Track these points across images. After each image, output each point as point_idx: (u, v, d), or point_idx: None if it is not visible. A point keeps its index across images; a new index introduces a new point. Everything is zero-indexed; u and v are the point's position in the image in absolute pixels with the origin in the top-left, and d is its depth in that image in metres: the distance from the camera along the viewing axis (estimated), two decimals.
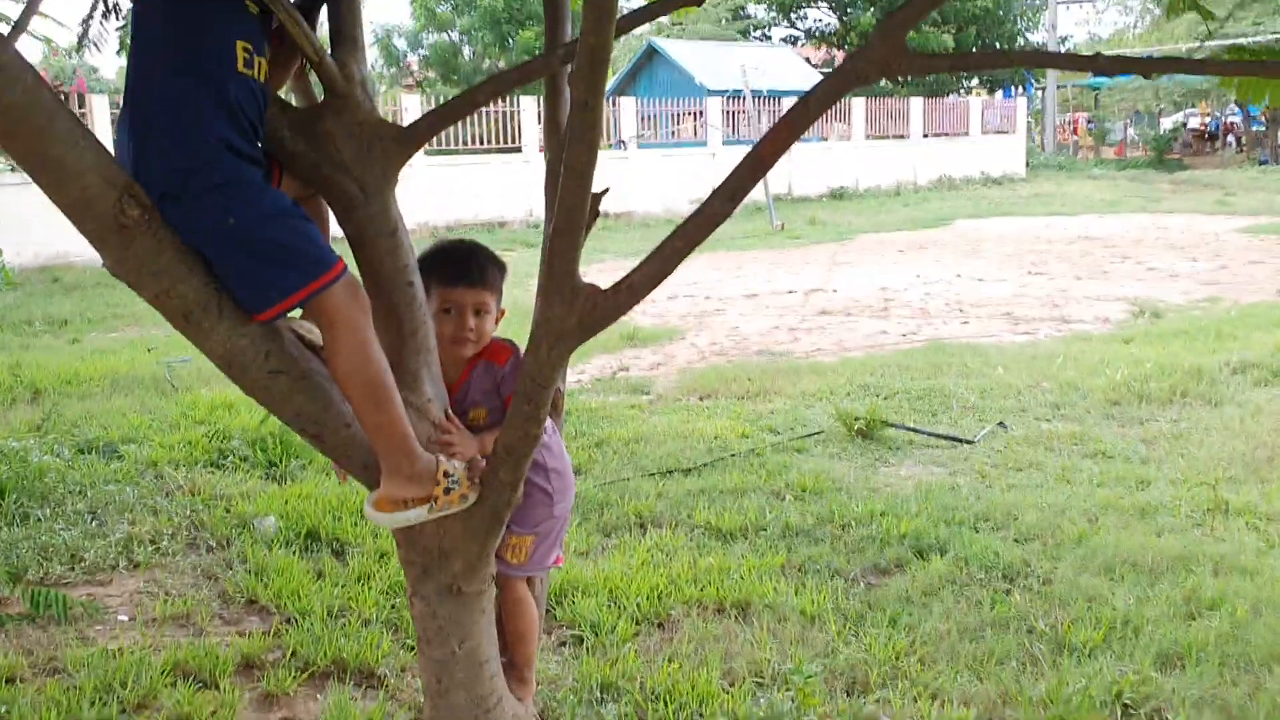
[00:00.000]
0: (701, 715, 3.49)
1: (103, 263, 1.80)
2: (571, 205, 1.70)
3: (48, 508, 5.33)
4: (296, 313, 1.94)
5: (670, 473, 5.96)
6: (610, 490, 5.64)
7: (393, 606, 4.25)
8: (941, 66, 1.75)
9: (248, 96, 1.84)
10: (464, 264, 2.45)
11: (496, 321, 2.58)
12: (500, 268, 2.58)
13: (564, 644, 4.07)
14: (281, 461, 6.12)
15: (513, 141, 20.53)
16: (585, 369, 8.85)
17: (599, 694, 3.63)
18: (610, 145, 22.82)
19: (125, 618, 4.28)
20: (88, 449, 6.37)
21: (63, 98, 1.91)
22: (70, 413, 7.17)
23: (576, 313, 1.76)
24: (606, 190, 2.63)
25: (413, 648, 3.89)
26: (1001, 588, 4.45)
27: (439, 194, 18.67)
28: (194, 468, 6.09)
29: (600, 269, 15.05)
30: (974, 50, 37.71)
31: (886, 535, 4.96)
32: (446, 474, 2.00)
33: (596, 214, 2.56)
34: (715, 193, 1.79)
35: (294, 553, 4.85)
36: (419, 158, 18.77)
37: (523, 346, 2.38)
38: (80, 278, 14.36)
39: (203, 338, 1.83)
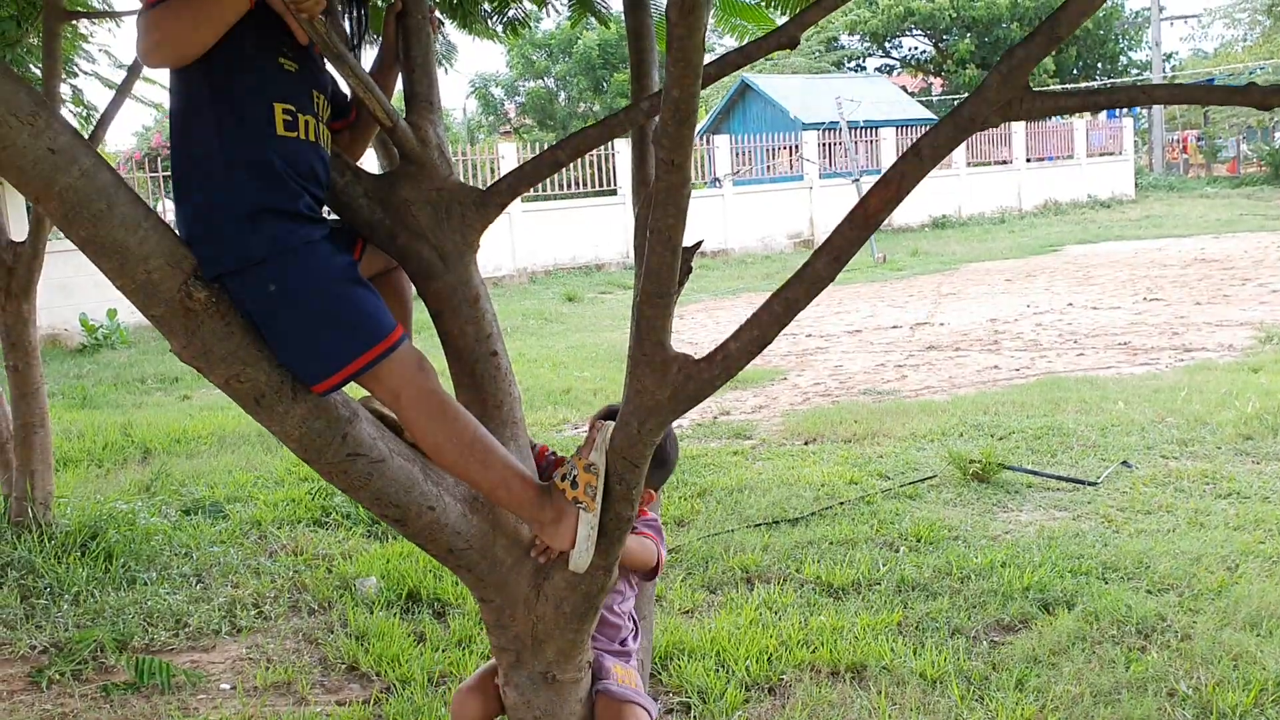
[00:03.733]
0: None
1: (170, 347, 1.72)
2: (659, 271, 1.56)
3: (154, 571, 5.35)
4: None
5: (776, 523, 5.76)
6: (714, 543, 5.46)
7: None
8: (1071, 107, 1.57)
9: (296, 160, 1.74)
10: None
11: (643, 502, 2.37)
12: (662, 459, 2.36)
13: (670, 711, 3.89)
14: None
15: (608, 184, 20.60)
16: (685, 414, 8.69)
17: None
18: (705, 184, 22.77)
19: (228, 686, 4.24)
20: (194, 509, 6.42)
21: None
22: (178, 472, 7.26)
23: (669, 385, 1.62)
24: (700, 244, 2.49)
25: None
26: (1136, 644, 4.15)
27: (537, 239, 18.79)
28: (297, 526, 6.08)
29: (697, 309, 14.95)
30: (1075, 69, 36.67)
31: (1009, 588, 4.69)
32: (564, 476, 1.83)
33: (689, 271, 2.42)
34: (818, 252, 1.63)
35: (395, 615, 4.78)
36: (515, 205, 18.96)
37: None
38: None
39: (276, 421, 1.74)
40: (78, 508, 6.02)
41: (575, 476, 1.82)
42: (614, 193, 20.51)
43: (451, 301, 1.97)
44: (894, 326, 12.51)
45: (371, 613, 4.79)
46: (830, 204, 23.05)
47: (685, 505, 6.13)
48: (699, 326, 13.43)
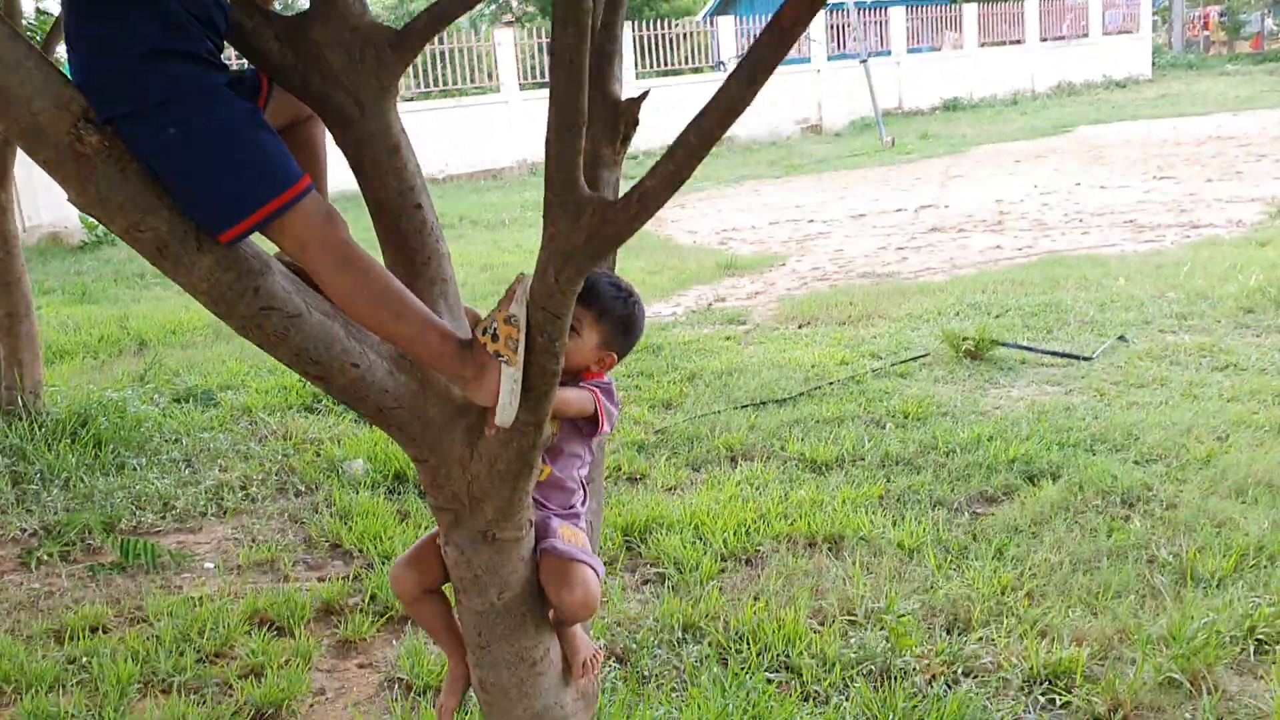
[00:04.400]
0: (788, 657, 3.29)
1: (67, 197, 1.65)
2: (564, 101, 1.47)
3: (143, 456, 5.36)
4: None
5: (764, 404, 5.73)
6: (701, 424, 5.44)
7: None
8: None
9: (193, 4, 1.65)
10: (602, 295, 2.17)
11: (600, 365, 2.21)
12: (627, 316, 2.19)
13: (647, 582, 3.90)
14: None
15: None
16: (680, 301, 8.62)
17: (681, 634, 3.46)
18: (712, 67, 22.29)
19: (211, 565, 4.27)
20: (186, 397, 6.41)
21: None
22: (172, 362, 7.25)
23: (583, 229, 1.54)
24: (646, 95, 2.39)
25: None
26: (1120, 514, 4.13)
27: (536, 128, 18.48)
28: (287, 412, 6.08)
29: (700, 198, 14.75)
30: None
31: (994, 461, 4.66)
32: (485, 330, 1.76)
33: (635, 122, 2.33)
34: (732, 76, 1.53)
35: (380, 495, 4.79)
36: (514, 95, 18.63)
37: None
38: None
39: (183, 273, 1.67)
40: (69, 396, 6.03)
41: (495, 330, 1.75)
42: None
43: (370, 151, 1.88)
44: (898, 210, 12.33)
45: (357, 493, 4.80)
46: (838, 87, 22.58)
47: (674, 389, 6.10)
48: (700, 215, 13.26)
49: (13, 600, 4.00)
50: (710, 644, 3.39)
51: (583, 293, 2.12)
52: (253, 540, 4.46)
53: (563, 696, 2.18)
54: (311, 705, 3.25)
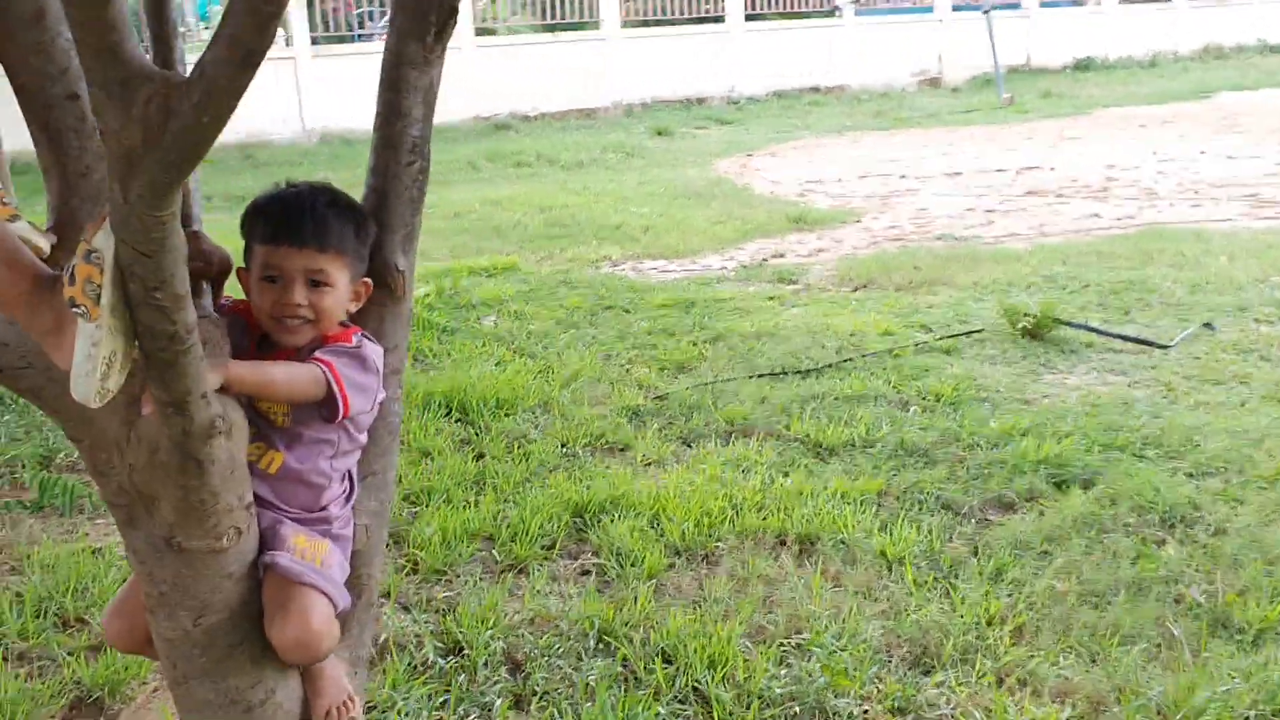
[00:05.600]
0: (703, 684, 2.75)
1: None
2: None
3: None
4: None
5: (784, 374, 5.14)
6: (706, 392, 4.89)
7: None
8: None
9: None
10: (293, 215, 1.72)
11: (357, 300, 1.80)
12: (358, 223, 1.77)
13: (585, 573, 3.41)
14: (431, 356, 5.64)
15: (712, 8, 19.33)
16: (735, 255, 8.01)
17: (593, 644, 2.96)
18: (825, 11, 21.29)
19: None
20: None
21: None
22: None
23: (139, 121, 1.05)
24: None
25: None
26: (1154, 537, 3.47)
27: (634, 70, 17.81)
28: None
29: (794, 146, 14.02)
30: None
31: (1021, 459, 4.02)
32: (68, 269, 1.28)
33: (453, 10, 1.79)
34: None
35: None
36: (614, 31, 18.02)
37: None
38: (274, 155, 14.47)
39: None
40: None
41: (74, 270, 1.26)
42: (720, 19, 19.27)
43: (4, 21, 1.41)
44: (998, 170, 11.42)
45: None
46: (961, 39, 21.33)
47: (692, 351, 5.55)
48: (788, 165, 12.55)
49: None
50: (621, 658, 2.88)
51: (290, 234, 1.63)
52: None
53: None
54: (153, 690, 2.84)
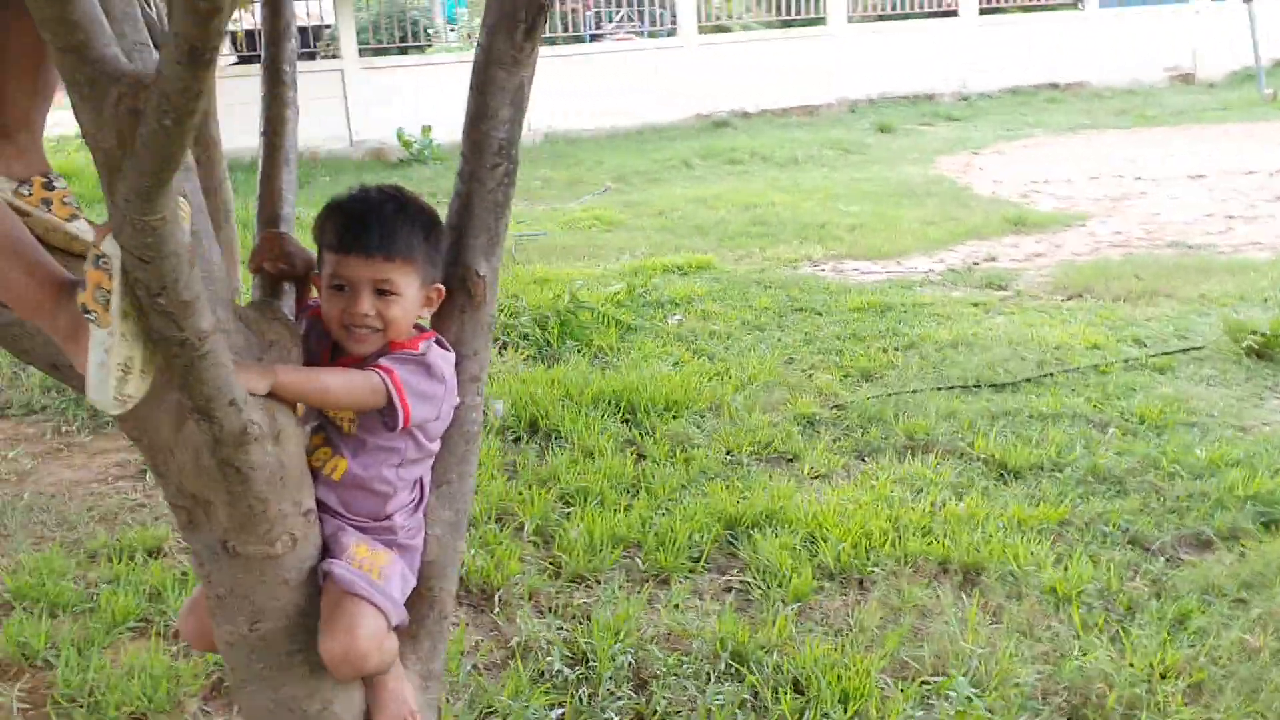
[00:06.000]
0: (828, 717, 2.59)
1: None
2: None
3: None
4: None
5: (976, 387, 4.85)
6: (890, 404, 4.66)
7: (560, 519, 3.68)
8: None
9: None
10: (359, 223, 1.67)
11: (430, 305, 1.76)
12: (428, 228, 1.73)
13: (729, 590, 3.29)
14: (556, 343, 5.70)
15: (944, 3, 18.62)
16: (945, 258, 7.65)
17: (723, 666, 2.84)
18: (1067, 3, 20.17)
19: None
20: None
21: None
22: None
23: (113, 122, 1.00)
24: None
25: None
26: None
27: (861, 64, 17.38)
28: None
29: (1023, 145, 13.34)
30: None
31: (1226, 493, 3.64)
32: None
33: (543, 7, 1.71)
34: None
35: (496, 443, 4.41)
36: (841, 28, 17.64)
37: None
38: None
39: None
40: None
41: (86, 275, 1.25)
42: (953, 13, 18.54)
43: None
44: (1248, 172, 10.49)
45: (486, 435, 4.44)
46: (1220, 31, 19.80)
47: (881, 358, 5.31)
48: (1013, 164, 11.93)
49: None
50: (749, 685, 2.75)
51: (358, 243, 1.59)
52: None
53: None
54: None
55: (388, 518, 1.70)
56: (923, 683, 2.73)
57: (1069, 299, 6.40)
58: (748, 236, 8.48)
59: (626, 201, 10.61)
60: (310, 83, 15.12)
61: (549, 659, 2.87)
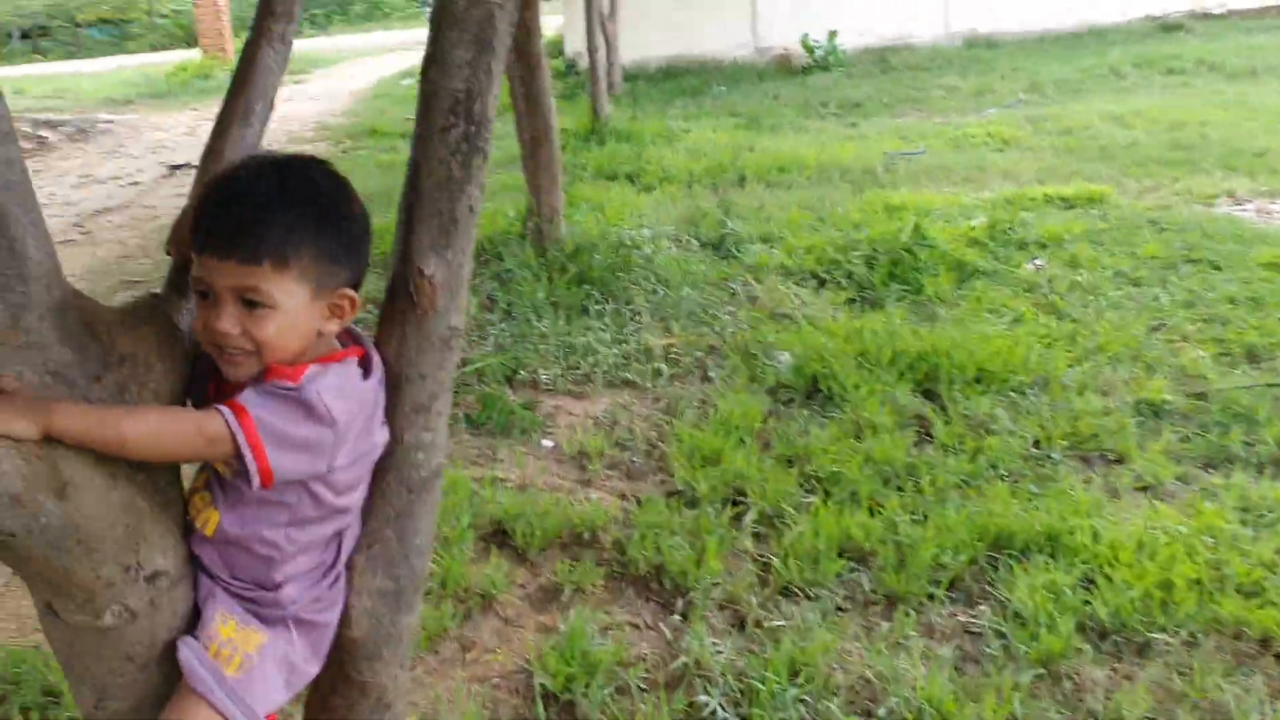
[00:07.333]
0: None
1: None
2: None
3: (610, 303, 5.01)
4: None
5: None
6: (1267, 399, 3.67)
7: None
8: None
9: None
10: (222, 211, 1.26)
11: (337, 317, 1.33)
12: (326, 215, 1.30)
13: (966, 633, 2.64)
14: (880, 285, 5.07)
15: None
16: None
17: None
18: None
19: (550, 444, 3.81)
20: (716, 244, 5.94)
21: None
22: (745, 202, 6.80)
23: None
24: None
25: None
26: None
27: None
28: (791, 278, 5.34)
29: None
30: None
31: None
32: None
33: None
34: None
35: (776, 401, 3.93)
36: None
37: None
38: (912, 60, 13.89)
39: None
40: (584, 227, 5.89)
41: None
42: None
43: None
44: None
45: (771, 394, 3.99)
46: None
47: (1278, 332, 4.22)
48: None
49: None
50: None
51: (219, 240, 1.19)
52: (613, 423, 3.91)
53: None
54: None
55: (277, 587, 1.32)
56: None
57: None
58: (1161, 164, 7.20)
59: (1033, 116, 9.46)
60: None
61: (706, 696, 2.41)
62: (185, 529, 1.33)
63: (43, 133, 13.42)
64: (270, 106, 1.51)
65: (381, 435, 1.36)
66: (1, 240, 1.12)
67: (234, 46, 21.49)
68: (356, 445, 1.31)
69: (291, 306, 1.26)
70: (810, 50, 13.79)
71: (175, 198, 8.68)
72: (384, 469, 1.38)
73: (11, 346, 1.14)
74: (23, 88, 18.60)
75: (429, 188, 1.31)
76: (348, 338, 1.38)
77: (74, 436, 1.14)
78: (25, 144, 12.74)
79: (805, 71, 13.70)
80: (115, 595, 1.20)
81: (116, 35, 29.11)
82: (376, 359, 1.35)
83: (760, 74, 13.73)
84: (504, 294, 5.14)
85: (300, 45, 25.05)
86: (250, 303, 1.25)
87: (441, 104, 1.29)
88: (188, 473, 1.39)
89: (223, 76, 17.94)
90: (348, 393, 1.29)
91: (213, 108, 13.23)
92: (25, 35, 30.76)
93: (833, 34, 13.78)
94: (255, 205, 1.24)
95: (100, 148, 11.96)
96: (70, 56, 28.03)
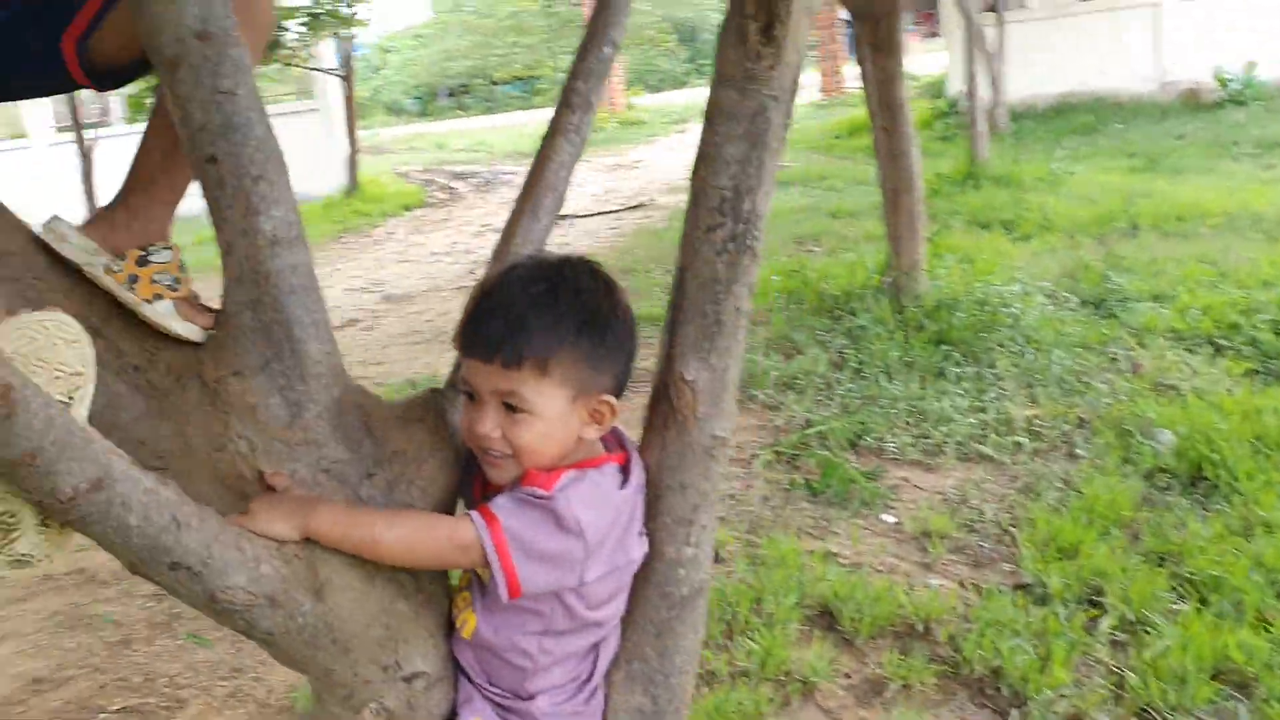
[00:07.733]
0: None
1: None
2: None
3: (971, 366, 4.70)
4: None
5: None
6: None
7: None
8: None
9: None
10: (485, 314, 1.23)
11: (596, 422, 1.26)
12: (589, 321, 1.23)
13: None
14: None
15: None
16: None
17: None
18: None
19: (892, 519, 3.60)
20: (1096, 302, 5.45)
21: None
22: (1135, 255, 6.21)
23: None
24: None
25: None
26: None
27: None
28: (1182, 344, 4.79)
29: None
30: None
31: None
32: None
33: None
34: None
35: (1153, 487, 3.50)
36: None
37: None
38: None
39: None
40: (948, 281, 5.58)
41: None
42: None
43: None
44: None
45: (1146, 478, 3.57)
46: None
47: None
48: None
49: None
50: None
51: (479, 344, 1.16)
52: (962, 500, 3.64)
53: None
54: None
55: (530, 697, 1.25)
56: None
57: None
58: None
59: None
60: (1114, 22, 13.90)
61: None
62: (449, 625, 1.31)
63: (454, 184, 14.77)
64: (560, 200, 1.48)
65: (640, 548, 1.27)
66: (285, 342, 1.15)
67: (623, 100, 22.81)
68: (611, 558, 1.22)
69: (551, 412, 1.21)
70: (1224, 83, 12.53)
71: (554, 246, 9.18)
72: (644, 582, 1.29)
73: (289, 444, 1.16)
74: (445, 142, 20.60)
75: (694, 288, 1.22)
76: (613, 441, 1.31)
77: (331, 539, 1.15)
78: (440, 194, 14.07)
79: (1215, 107, 12.46)
80: (373, 693, 1.19)
81: (526, 91, 31.63)
82: (638, 465, 1.27)
83: (1163, 110, 12.64)
84: (855, 351, 4.97)
85: (688, 95, 26.07)
86: (511, 407, 1.21)
87: (709, 201, 1.19)
88: None
89: (610, 128, 19.07)
90: (600, 503, 1.21)
91: (602, 158, 13.87)
92: (451, 94, 34.18)
93: (1251, 65, 12.45)
94: (520, 310, 1.20)
95: (501, 198, 12.95)
96: (488, 111, 30.82)
